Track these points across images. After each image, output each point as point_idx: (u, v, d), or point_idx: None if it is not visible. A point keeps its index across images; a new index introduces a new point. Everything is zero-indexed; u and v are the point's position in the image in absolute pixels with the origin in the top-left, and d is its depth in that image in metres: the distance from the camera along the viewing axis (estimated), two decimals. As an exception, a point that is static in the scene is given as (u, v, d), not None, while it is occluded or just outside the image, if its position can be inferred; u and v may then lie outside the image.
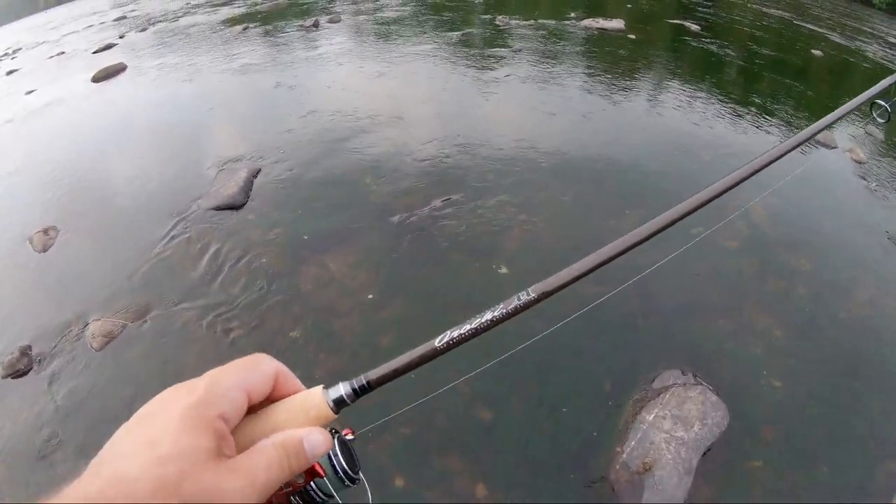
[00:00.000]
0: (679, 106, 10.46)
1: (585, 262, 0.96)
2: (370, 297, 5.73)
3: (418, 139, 8.64)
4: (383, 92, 10.56)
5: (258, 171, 7.92)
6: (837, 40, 18.99)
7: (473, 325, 0.83)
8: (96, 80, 13.60)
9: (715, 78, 12.98)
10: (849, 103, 1.59)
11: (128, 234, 7.14)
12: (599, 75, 11.89)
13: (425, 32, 14.70)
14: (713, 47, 15.11)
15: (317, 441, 0.67)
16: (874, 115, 1.76)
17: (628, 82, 11.62)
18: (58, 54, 18.55)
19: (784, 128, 10.03)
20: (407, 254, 6.33)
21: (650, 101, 10.79)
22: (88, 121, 10.78)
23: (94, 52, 17.12)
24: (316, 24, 15.54)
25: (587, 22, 15.69)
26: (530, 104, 10.12)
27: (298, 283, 5.98)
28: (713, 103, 10.74)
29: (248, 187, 7.54)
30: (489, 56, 12.62)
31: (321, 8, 18.30)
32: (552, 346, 4.96)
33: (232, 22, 17.51)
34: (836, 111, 1.52)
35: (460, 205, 7.00)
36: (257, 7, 19.50)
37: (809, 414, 4.61)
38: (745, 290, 6.01)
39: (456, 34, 14.46)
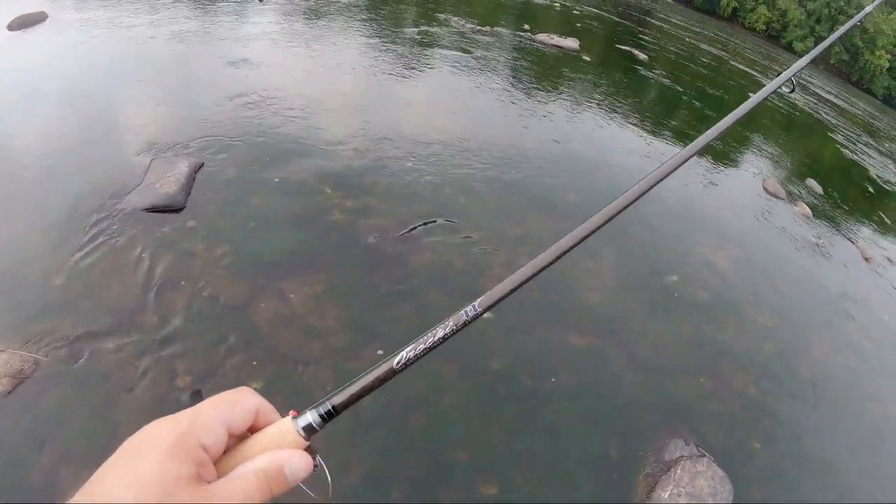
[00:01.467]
0: (629, 128, 10.39)
1: (522, 272, 0.98)
2: (341, 342, 4.78)
3: (381, 146, 7.62)
4: (341, 86, 9.37)
5: (200, 166, 6.59)
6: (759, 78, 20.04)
7: (427, 344, 0.83)
8: (11, 28, 11.71)
9: (662, 108, 13.03)
10: (766, 87, 1.62)
11: (36, 233, 5.59)
12: (562, 95, 11.25)
13: (382, 24, 13.51)
14: (661, 78, 14.95)
15: (297, 466, 0.68)
16: (783, 88, 1.78)
17: (588, 104, 11.12)
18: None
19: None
20: (380, 289, 5.38)
21: (612, 124, 10.25)
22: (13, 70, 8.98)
23: (13, -6, 14.92)
24: (262, -1, 14.07)
25: (543, 37, 15.02)
26: (506, 119, 9.51)
27: (255, 318, 4.85)
28: (662, 132, 10.77)
29: (188, 184, 6.21)
30: (450, 60, 11.67)
31: None
32: (551, 407, 4.86)
33: None
34: (758, 93, 1.55)
35: (437, 232, 6.12)
36: None
37: (790, 479, 4.96)
38: (721, 348, 6.14)
39: (412, 31, 13.43)
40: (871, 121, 27.38)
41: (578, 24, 19.21)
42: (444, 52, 12.18)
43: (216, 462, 0.66)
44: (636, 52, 17.11)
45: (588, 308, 5.97)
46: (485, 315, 0.87)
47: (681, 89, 14.64)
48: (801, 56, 2.47)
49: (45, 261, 5.24)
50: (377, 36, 12.53)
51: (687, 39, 23.50)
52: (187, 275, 5.19)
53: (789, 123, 16.54)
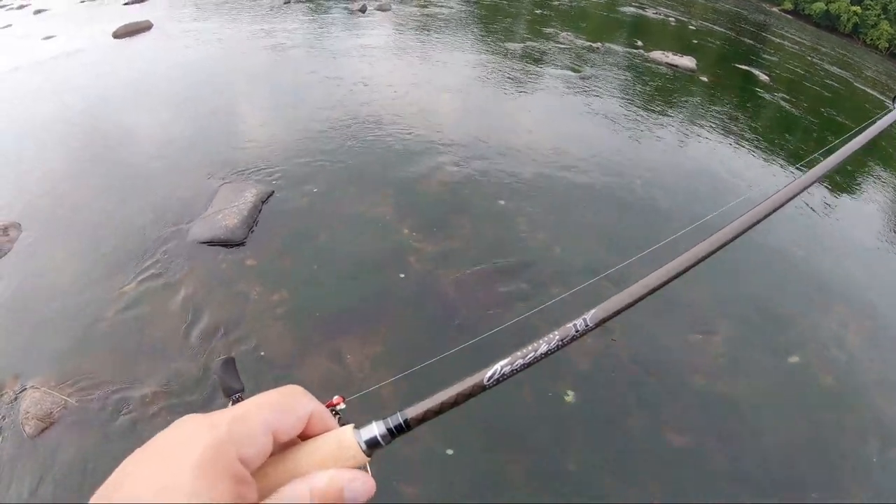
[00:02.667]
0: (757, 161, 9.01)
1: (639, 286, 0.84)
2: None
3: (474, 180, 6.65)
4: (441, 108, 8.47)
5: (269, 195, 5.89)
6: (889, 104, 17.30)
7: (527, 359, 0.70)
8: (117, 36, 11.54)
9: (791, 138, 11.27)
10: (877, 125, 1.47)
11: (92, 258, 5.14)
12: (679, 123, 9.95)
13: (484, 39, 12.57)
14: (784, 103, 13.20)
15: (359, 490, 0.55)
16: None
17: (710, 135, 9.74)
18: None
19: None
20: (451, 360, 4.40)
21: (737, 158, 8.92)
22: (94, 85, 8.55)
23: (125, 4, 14.94)
24: (363, 10, 13.44)
25: (657, 55, 13.63)
26: (618, 153, 8.17)
27: (301, 379, 4.04)
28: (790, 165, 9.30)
29: (252, 216, 5.51)
30: (557, 80, 10.56)
31: None
32: None
33: None
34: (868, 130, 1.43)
35: (527, 292, 5.10)
36: None
37: None
38: (841, 456, 4.70)
39: (517, 46, 12.37)
40: None
41: (694, 41, 17.59)
42: (552, 70, 11.08)
43: (258, 470, 0.53)
44: (756, 72, 15.39)
45: (691, 395, 4.80)
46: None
47: (808, 117, 12.87)
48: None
49: (96, 290, 4.82)
50: (483, 52, 11.61)
51: (808, 58, 21.32)
52: (237, 322, 4.53)
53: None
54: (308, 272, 5.03)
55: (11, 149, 6.89)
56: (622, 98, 10.31)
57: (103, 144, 6.90)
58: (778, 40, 24.54)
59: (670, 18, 20.13)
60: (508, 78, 10.17)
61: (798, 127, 12.04)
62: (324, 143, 6.94)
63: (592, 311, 0.77)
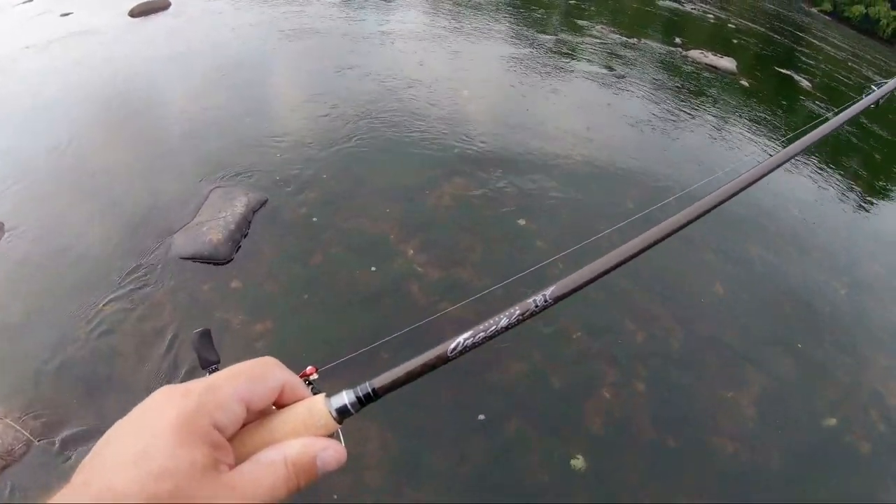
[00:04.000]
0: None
1: (602, 261, 0.83)
2: (376, 480, 3.43)
3: (491, 194, 5.89)
4: (463, 107, 7.63)
5: (263, 204, 5.19)
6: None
7: (488, 332, 0.71)
8: (133, 14, 10.76)
9: (841, 156, 10.27)
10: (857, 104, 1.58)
11: (71, 271, 4.52)
12: (723, 134, 9.08)
13: (515, 30, 11.62)
14: (827, 114, 12.09)
15: (331, 458, 0.57)
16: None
17: (758, 151, 8.80)
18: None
19: None
20: (451, 414, 3.82)
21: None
22: (102, 68, 7.76)
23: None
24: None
25: (695, 54, 12.62)
26: (653, 168, 7.29)
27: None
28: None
29: (241, 230, 4.82)
30: (592, 79, 9.67)
31: None
32: None
33: None
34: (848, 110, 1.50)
35: (542, 336, 4.35)
36: None
37: None
38: None
39: (549, 38, 11.44)
40: None
41: (733, 40, 16.45)
42: (585, 67, 10.14)
43: (233, 438, 0.54)
44: (798, 77, 14.29)
45: (717, 463, 4.09)
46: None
47: (851, 129, 11.90)
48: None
49: (71, 306, 4.22)
50: (513, 44, 10.71)
51: (849, 63, 20.00)
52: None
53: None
54: (297, 300, 4.36)
55: (28, 130, 6.28)
56: (660, 102, 9.41)
57: (100, 140, 6.23)
58: (818, 43, 23.20)
59: (709, 15, 18.95)
60: (538, 75, 9.31)
61: (843, 142, 11.06)
62: (328, 144, 6.20)
63: (552, 287, 0.75)
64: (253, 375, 0.57)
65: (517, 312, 0.73)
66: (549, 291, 0.75)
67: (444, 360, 0.69)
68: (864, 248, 7.33)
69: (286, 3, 11.05)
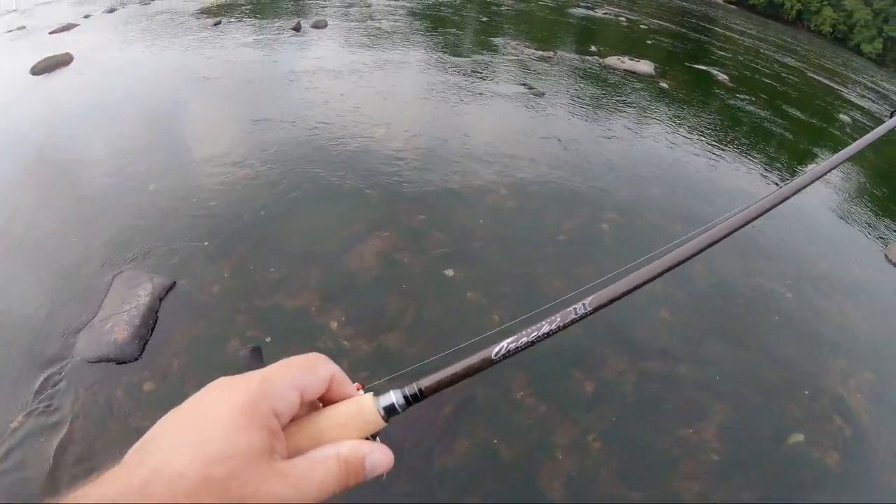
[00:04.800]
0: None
1: (638, 274, 0.85)
2: None
3: (420, 245, 5.57)
4: (380, 148, 7.27)
5: (170, 288, 4.73)
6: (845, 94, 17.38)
7: (530, 337, 0.74)
8: (35, 72, 10.13)
9: (762, 144, 10.52)
10: (872, 133, 1.54)
11: None
12: (650, 140, 9.02)
13: (427, 56, 11.38)
14: (748, 105, 12.37)
15: (379, 462, 0.60)
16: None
17: (684, 153, 8.81)
18: (18, 28, 14.68)
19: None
20: None
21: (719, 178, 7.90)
22: None
23: (51, 33, 13.43)
24: (298, 28, 12.18)
25: (613, 61, 12.68)
26: (590, 204, 7.00)
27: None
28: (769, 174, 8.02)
29: (147, 323, 4.37)
30: (510, 100, 9.50)
31: (308, 5, 14.72)
32: None
33: (207, 12, 13.74)
34: (861, 140, 1.50)
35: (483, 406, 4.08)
36: None
37: None
38: None
39: (464, 61, 11.25)
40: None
41: (648, 41, 16.70)
42: (503, 89, 9.95)
43: (284, 429, 0.56)
44: (714, 71, 14.56)
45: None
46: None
47: (773, 118, 12.05)
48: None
49: None
50: (427, 71, 10.48)
51: (761, 50, 20.63)
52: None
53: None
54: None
55: None
56: (583, 117, 9.33)
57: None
58: (727, 33, 23.96)
59: (621, 18, 19.28)
60: (456, 104, 9.08)
61: (766, 130, 11.27)
62: (239, 209, 5.77)
63: (591, 297, 0.79)
64: (305, 366, 0.60)
65: (558, 320, 0.75)
66: (588, 301, 0.78)
67: (489, 363, 0.71)
68: (805, 246, 7.30)
69: (194, 48, 10.59)
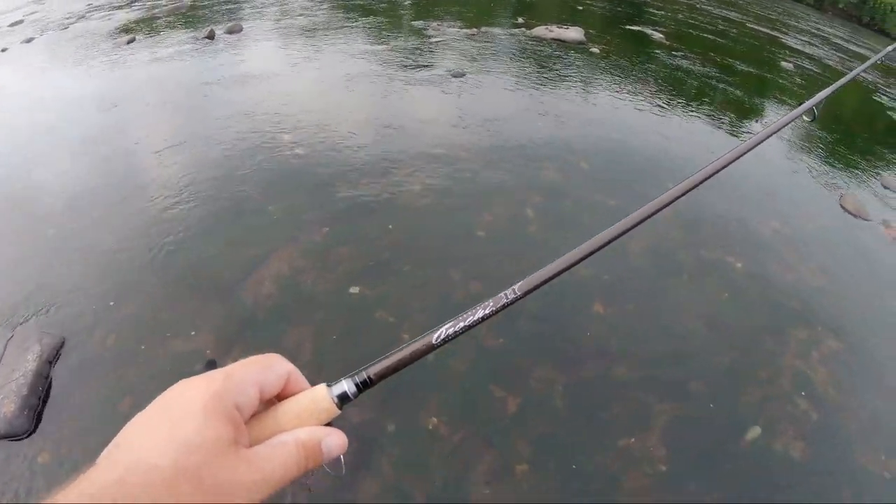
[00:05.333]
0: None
1: (565, 258, 0.90)
2: None
3: (322, 262, 5.13)
4: (290, 162, 6.78)
5: (60, 347, 4.31)
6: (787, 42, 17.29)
7: (467, 322, 0.79)
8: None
9: (704, 103, 10.14)
10: (790, 114, 1.60)
11: None
12: (575, 108, 8.53)
13: (347, 48, 10.76)
14: (684, 62, 11.91)
15: (334, 444, 0.65)
16: (803, 117, 1.73)
17: (611, 115, 8.52)
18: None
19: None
20: None
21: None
22: None
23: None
24: (212, 36, 11.49)
25: (540, 31, 12.16)
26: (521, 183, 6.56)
27: None
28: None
29: (35, 393, 4.00)
30: (428, 83, 8.99)
31: (224, 12, 13.86)
32: None
33: (122, 30, 12.77)
34: (779, 121, 1.55)
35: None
36: (155, 11, 14.57)
37: None
38: None
39: (381, 50, 10.64)
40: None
41: (579, 6, 16.15)
42: (420, 74, 9.43)
43: (246, 423, 0.61)
44: (649, 31, 14.11)
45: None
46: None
47: (711, 72, 11.67)
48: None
49: None
50: (347, 64, 9.96)
51: (699, 6, 20.21)
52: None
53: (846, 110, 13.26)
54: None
55: None
56: (504, 95, 8.90)
57: None
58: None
59: (552, -16, 18.62)
60: (365, 97, 8.58)
61: (708, 88, 10.98)
62: (135, 244, 5.32)
63: (520, 282, 0.83)
64: (264, 364, 0.64)
65: (490, 305, 0.80)
66: (517, 286, 0.82)
67: (430, 347, 0.75)
68: (753, 207, 6.88)
69: (106, 71, 10.00)
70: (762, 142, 1.37)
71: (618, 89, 9.65)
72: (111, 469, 0.49)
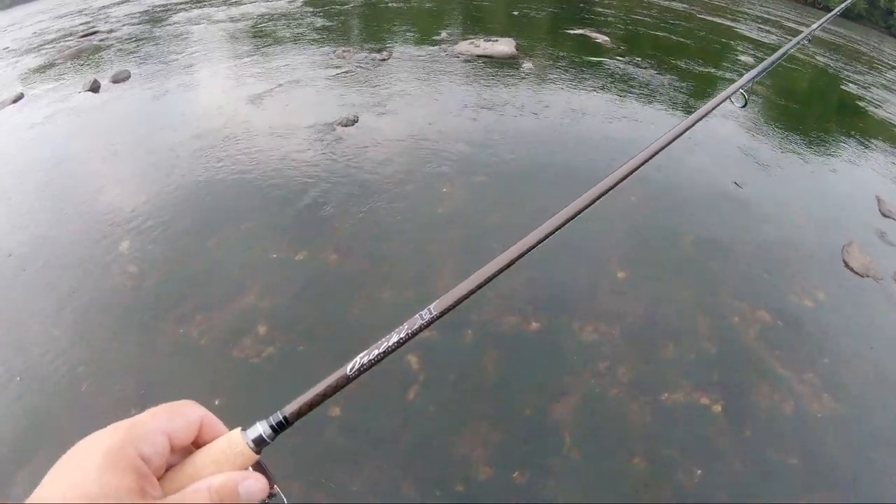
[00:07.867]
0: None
1: (477, 275, 0.84)
2: None
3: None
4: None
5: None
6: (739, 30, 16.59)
7: (381, 349, 0.74)
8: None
9: (646, 109, 9.03)
10: (716, 98, 1.54)
11: None
12: (492, 147, 7.07)
13: (232, 94, 9.17)
14: (634, 67, 10.50)
15: (253, 488, 0.61)
16: (732, 102, 1.69)
17: (554, 145, 7.41)
18: None
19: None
20: None
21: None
22: None
23: None
24: (96, 88, 10.03)
25: (464, 46, 10.64)
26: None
27: None
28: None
29: None
30: (319, 131, 7.47)
31: (108, 56, 12.03)
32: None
33: (19, 79, 11.40)
34: (707, 104, 1.47)
35: None
36: (57, 58, 12.75)
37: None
38: None
39: (265, 89, 9.00)
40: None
41: (514, 12, 14.62)
42: (312, 116, 7.90)
43: (161, 478, 0.58)
44: (593, 34, 12.66)
45: None
46: None
47: (661, 76, 10.23)
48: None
49: None
50: (238, 106, 8.62)
51: (642, 1, 18.92)
52: None
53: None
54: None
55: None
56: (410, 137, 7.23)
57: None
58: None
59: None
60: (238, 153, 6.91)
61: (658, 92, 9.80)
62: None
63: (435, 302, 0.78)
64: (173, 411, 0.60)
65: (405, 329, 0.75)
66: (433, 306, 0.77)
67: (345, 380, 0.71)
68: (711, 179, 6.84)
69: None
70: (689, 129, 1.23)
71: (549, 110, 8.16)
72: None
